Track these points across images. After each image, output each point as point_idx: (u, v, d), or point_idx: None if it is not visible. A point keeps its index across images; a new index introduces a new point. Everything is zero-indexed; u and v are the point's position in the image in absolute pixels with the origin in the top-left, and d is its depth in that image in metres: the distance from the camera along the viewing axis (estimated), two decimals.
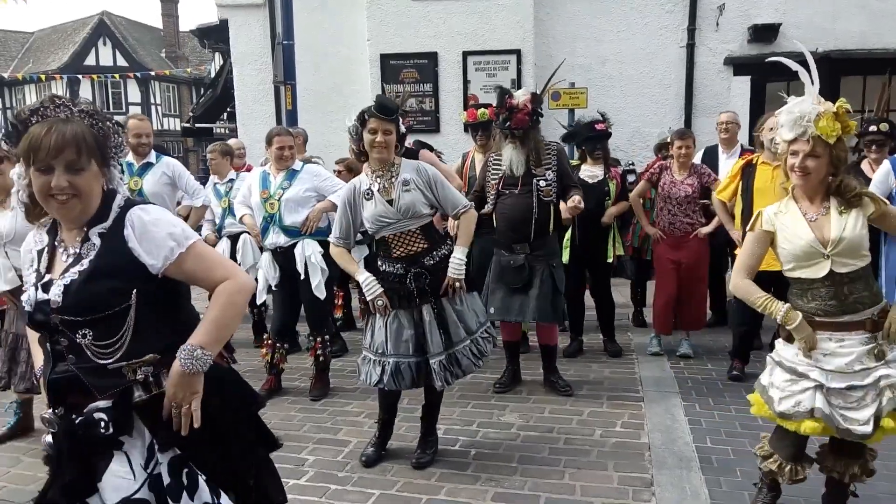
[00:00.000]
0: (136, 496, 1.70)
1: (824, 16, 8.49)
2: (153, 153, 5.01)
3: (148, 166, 4.93)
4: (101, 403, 1.74)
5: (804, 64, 2.66)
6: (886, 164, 4.43)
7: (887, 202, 2.66)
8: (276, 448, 2.04)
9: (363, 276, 3.43)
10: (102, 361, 1.71)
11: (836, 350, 2.53)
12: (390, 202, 3.37)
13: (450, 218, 3.79)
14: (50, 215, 1.81)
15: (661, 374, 4.86)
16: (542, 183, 4.33)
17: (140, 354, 1.74)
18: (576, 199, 4.24)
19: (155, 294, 1.77)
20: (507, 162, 4.36)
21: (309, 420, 4.24)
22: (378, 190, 3.40)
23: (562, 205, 4.43)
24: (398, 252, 3.43)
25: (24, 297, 1.79)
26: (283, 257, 4.53)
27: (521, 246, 4.36)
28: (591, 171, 5.25)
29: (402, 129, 3.44)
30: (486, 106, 5.14)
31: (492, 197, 4.47)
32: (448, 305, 3.45)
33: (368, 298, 3.45)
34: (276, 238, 4.51)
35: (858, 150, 5.05)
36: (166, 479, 1.74)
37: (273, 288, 4.65)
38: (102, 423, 1.71)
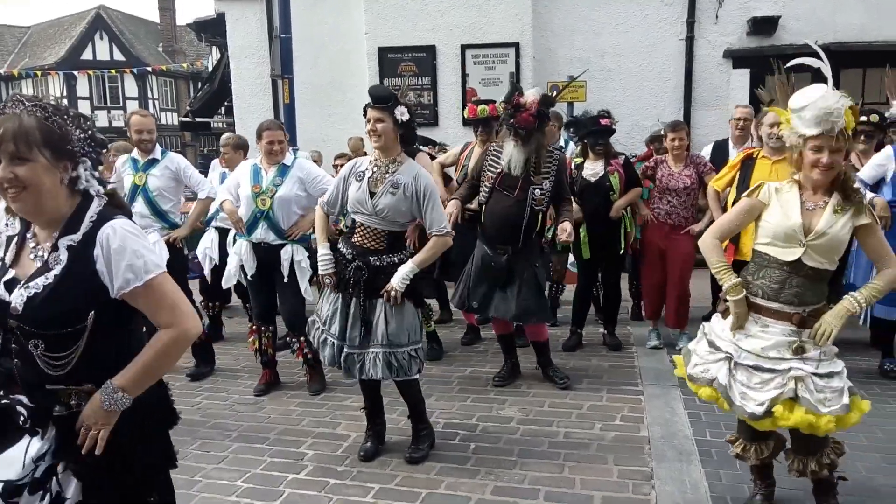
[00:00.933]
0: (18, 483, 1.72)
1: (824, 8, 8.48)
2: (158, 149, 4.98)
3: (153, 162, 4.90)
4: (26, 401, 1.78)
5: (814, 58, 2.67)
6: (889, 150, 4.43)
7: (877, 220, 2.67)
8: (174, 467, 2.01)
9: (323, 250, 3.54)
10: (49, 372, 1.74)
11: (757, 333, 2.65)
12: (372, 195, 3.39)
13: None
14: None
15: (660, 367, 4.86)
16: (538, 192, 4.29)
17: (83, 377, 1.76)
18: (566, 230, 4.21)
19: (112, 318, 1.77)
20: (507, 159, 4.29)
21: (308, 414, 4.23)
22: (369, 177, 3.43)
23: (559, 228, 4.34)
24: (356, 239, 3.50)
25: None
26: (266, 252, 4.49)
27: (504, 248, 4.33)
28: (591, 169, 5.22)
29: (402, 118, 3.40)
30: (488, 102, 5.11)
31: (486, 190, 4.42)
32: (379, 307, 3.40)
33: (320, 272, 3.56)
34: (265, 234, 4.46)
35: None
36: (55, 488, 1.77)
37: (249, 278, 4.61)
38: (22, 417, 1.76)
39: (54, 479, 1.78)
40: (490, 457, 3.54)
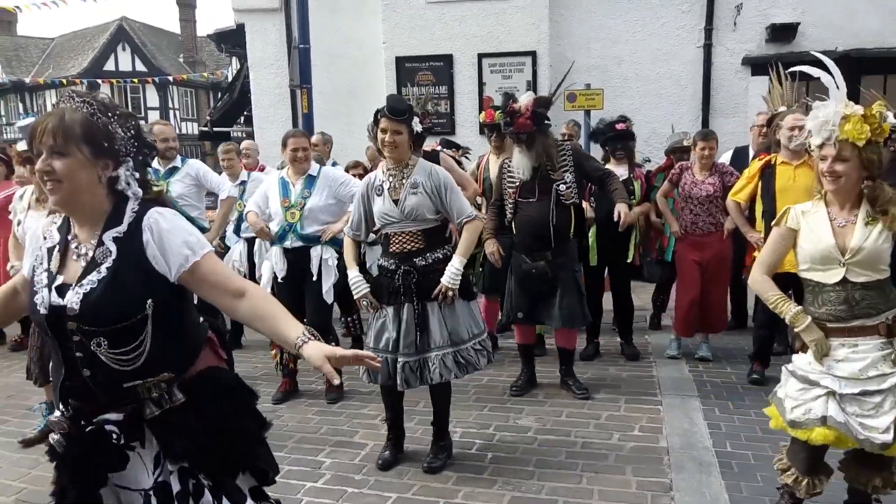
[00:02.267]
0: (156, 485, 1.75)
1: (842, 14, 8.39)
2: (178, 157, 5.07)
3: (174, 170, 5.01)
4: (112, 416, 1.75)
5: (824, 67, 2.64)
6: None
7: None
8: (269, 427, 2.04)
9: (353, 274, 3.56)
10: (121, 368, 1.71)
11: (848, 356, 2.49)
12: (396, 202, 3.44)
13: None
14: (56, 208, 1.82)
15: (679, 376, 4.82)
16: (563, 187, 4.30)
17: (156, 368, 1.75)
18: (624, 214, 4.18)
19: (170, 303, 1.76)
20: (518, 168, 4.35)
21: (326, 422, 4.24)
22: (388, 188, 3.47)
23: (586, 208, 4.38)
24: (394, 248, 3.52)
25: (36, 299, 1.74)
26: (295, 255, 4.52)
27: (540, 253, 4.34)
28: (615, 172, 5.21)
29: (417, 128, 3.47)
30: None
31: (510, 205, 4.43)
32: (434, 310, 3.44)
33: (355, 296, 3.58)
34: (294, 243, 4.51)
35: None
36: (175, 486, 1.77)
37: (280, 280, 4.63)
38: (114, 435, 1.74)
39: (190, 480, 1.79)
40: (507, 467, 3.53)
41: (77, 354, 1.71)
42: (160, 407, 1.75)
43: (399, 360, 3.43)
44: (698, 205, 5.09)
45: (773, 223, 2.76)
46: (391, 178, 3.49)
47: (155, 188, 1.88)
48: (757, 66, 8.65)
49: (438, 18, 8.76)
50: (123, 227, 1.74)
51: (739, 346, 5.40)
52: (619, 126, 5.31)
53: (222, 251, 5.59)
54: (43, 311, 1.72)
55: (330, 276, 4.52)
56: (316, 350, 1.69)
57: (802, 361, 2.61)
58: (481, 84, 8.82)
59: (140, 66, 31.65)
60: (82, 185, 1.71)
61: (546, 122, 4.33)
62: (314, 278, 4.51)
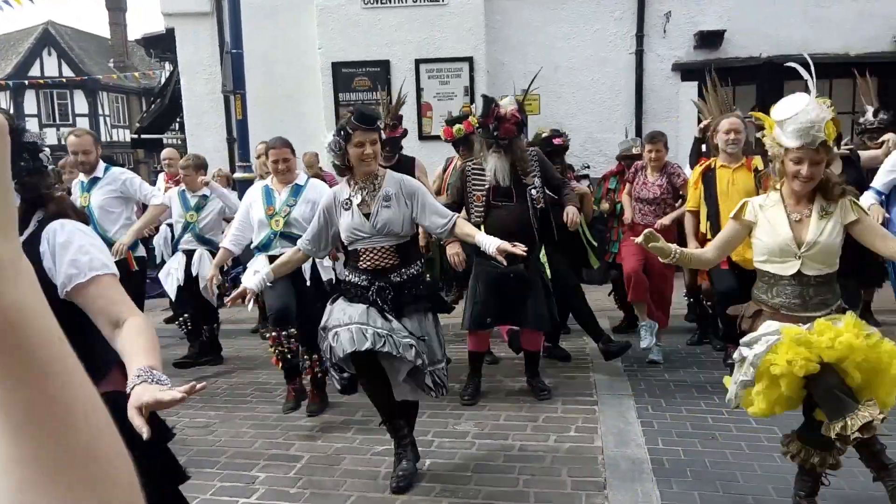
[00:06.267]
0: None
1: (767, 22, 8.72)
2: (101, 167, 4.83)
3: (95, 181, 4.78)
4: None
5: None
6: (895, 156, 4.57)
7: (867, 212, 2.72)
8: (185, 480, 1.93)
9: (263, 270, 3.51)
10: None
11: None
12: (367, 216, 3.29)
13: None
14: None
15: (614, 377, 4.90)
16: (534, 192, 4.36)
17: None
18: (569, 213, 4.34)
19: (69, 318, 1.68)
20: (492, 172, 4.30)
21: (261, 436, 4.14)
22: (358, 203, 3.31)
23: (567, 216, 4.39)
24: (365, 264, 3.32)
25: None
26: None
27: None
28: None
29: (383, 136, 3.41)
30: (460, 120, 5.08)
31: (479, 208, 4.38)
32: (409, 326, 3.29)
33: (244, 283, 3.58)
34: (281, 250, 4.23)
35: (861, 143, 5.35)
36: None
37: (268, 284, 4.47)
38: None
39: None
40: (445, 473, 3.52)
41: None
42: None
43: (405, 339, 3.19)
44: (647, 205, 5.25)
45: (731, 215, 2.84)
46: (361, 192, 3.32)
47: (57, 195, 1.80)
48: (686, 71, 8.91)
49: (374, 24, 8.72)
50: (24, 236, 1.70)
51: (674, 345, 5.53)
52: (557, 141, 5.38)
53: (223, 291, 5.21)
54: None
55: (328, 273, 4.49)
56: (136, 395, 1.54)
57: (746, 339, 2.68)
58: (419, 90, 8.81)
59: (67, 72, 30.43)
60: None
61: (523, 128, 4.45)
62: (307, 283, 4.39)
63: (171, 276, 5.49)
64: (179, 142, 14.14)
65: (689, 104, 8.85)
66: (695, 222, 4.78)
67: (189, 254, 5.52)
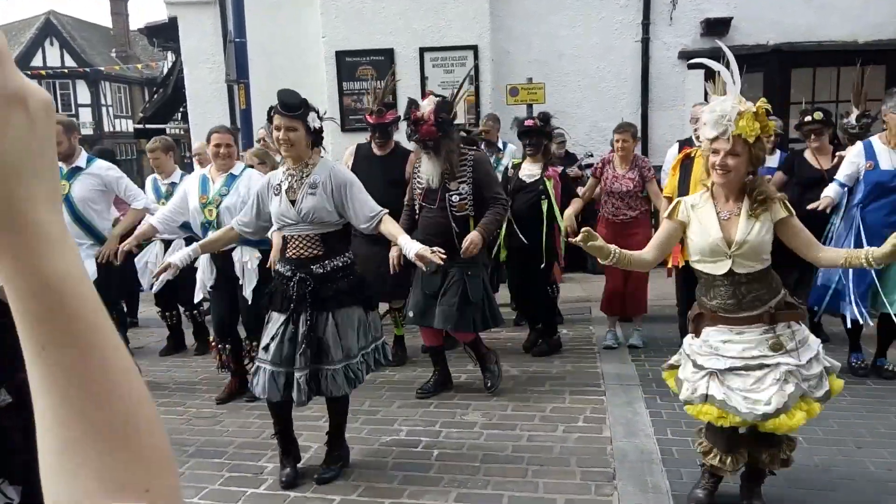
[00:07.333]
0: None
1: (774, 9, 8.64)
2: (83, 156, 4.70)
3: (76, 171, 4.66)
4: None
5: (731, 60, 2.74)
6: (860, 146, 4.55)
7: (794, 212, 2.72)
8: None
9: (192, 249, 3.46)
10: None
11: (734, 339, 2.66)
12: (293, 202, 3.27)
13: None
14: None
15: (622, 367, 4.88)
16: (455, 198, 4.25)
17: None
18: (466, 241, 4.13)
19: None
20: (425, 173, 4.29)
21: (268, 426, 4.11)
22: (286, 188, 3.30)
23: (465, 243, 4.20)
24: (291, 252, 3.32)
25: None
26: (222, 259, 4.40)
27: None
28: (529, 171, 5.19)
29: (314, 125, 3.26)
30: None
31: (417, 207, 4.40)
32: (328, 321, 3.26)
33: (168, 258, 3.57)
34: None
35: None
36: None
37: (209, 289, 4.52)
38: None
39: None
40: (453, 463, 3.51)
41: None
42: None
43: (296, 374, 3.22)
44: (619, 199, 5.24)
45: (665, 215, 2.87)
46: (290, 178, 3.30)
47: None
48: (693, 59, 8.83)
49: (378, 12, 8.66)
50: None
51: (677, 334, 5.50)
52: (528, 122, 5.20)
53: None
54: None
55: (252, 279, 4.39)
56: None
57: (696, 345, 2.78)
58: (423, 78, 8.75)
59: (70, 62, 30.38)
60: None
61: (451, 126, 4.23)
62: (241, 281, 4.39)
63: (148, 269, 5.42)
64: (182, 132, 14.13)
65: (694, 92, 8.79)
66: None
67: (167, 243, 5.45)
